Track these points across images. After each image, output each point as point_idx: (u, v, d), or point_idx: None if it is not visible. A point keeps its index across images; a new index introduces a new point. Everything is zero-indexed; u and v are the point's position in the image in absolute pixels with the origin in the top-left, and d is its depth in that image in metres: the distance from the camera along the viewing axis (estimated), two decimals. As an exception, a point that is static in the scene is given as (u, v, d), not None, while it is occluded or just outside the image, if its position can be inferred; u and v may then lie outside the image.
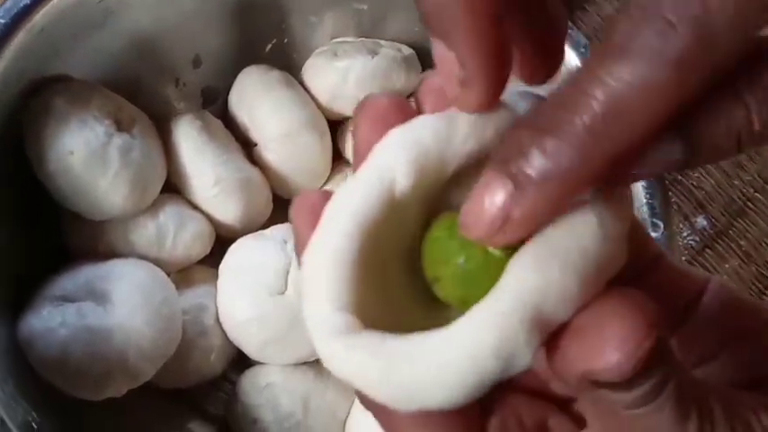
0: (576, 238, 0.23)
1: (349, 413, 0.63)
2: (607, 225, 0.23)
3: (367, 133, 0.25)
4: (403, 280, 0.26)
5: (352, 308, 0.23)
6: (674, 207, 0.73)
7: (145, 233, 0.62)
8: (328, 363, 0.24)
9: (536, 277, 0.22)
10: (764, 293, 0.73)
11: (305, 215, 0.25)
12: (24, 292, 0.58)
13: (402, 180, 0.24)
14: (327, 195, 0.25)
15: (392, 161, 0.24)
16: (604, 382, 0.21)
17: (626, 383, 0.21)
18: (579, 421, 0.27)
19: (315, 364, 0.63)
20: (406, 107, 0.26)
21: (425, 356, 0.22)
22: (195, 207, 0.65)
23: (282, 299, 0.60)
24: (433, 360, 0.22)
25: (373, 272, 0.24)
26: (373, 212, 0.24)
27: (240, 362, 0.65)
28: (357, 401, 0.62)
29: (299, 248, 0.25)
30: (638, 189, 0.57)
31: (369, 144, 0.25)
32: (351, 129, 0.25)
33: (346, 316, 0.23)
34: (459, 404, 0.23)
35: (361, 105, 0.26)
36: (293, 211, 0.26)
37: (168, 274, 0.62)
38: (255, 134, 0.69)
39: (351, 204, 0.24)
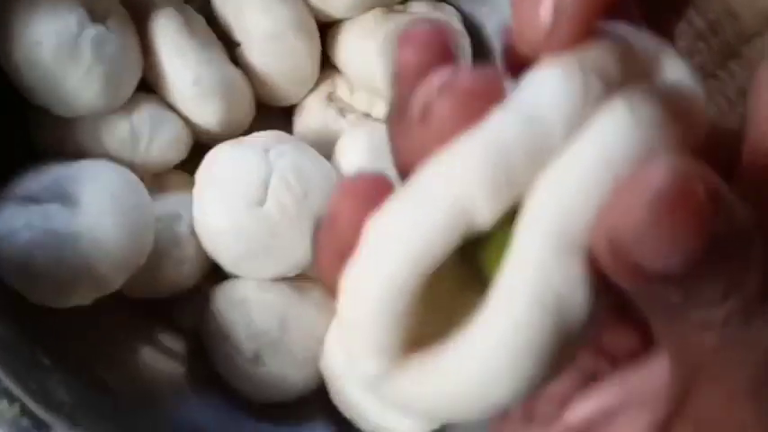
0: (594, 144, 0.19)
1: (329, 331, 0.60)
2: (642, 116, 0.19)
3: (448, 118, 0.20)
4: (447, 276, 0.21)
5: (398, 346, 0.20)
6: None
7: (117, 133, 0.58)
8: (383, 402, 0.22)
9: (552, 204, 0.19)
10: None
11: (353, 199, 0.21)
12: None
13: (483, 216, 0.19)
14: (382, 187, 0.21)
15: (473, 192, 0.19)
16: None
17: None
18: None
19: (294, 280, 0.60)
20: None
21: (473, 357, 0.19)
22: (172, 108, 0.61)
23: (261, 211, 0.57)
24: (480, 354, 0.19)
25: (422, 295, 0.20)
26: (438, 256, 0.19)
27: (214, 273, 0.62)
28: (337, 320, 0.60)
29: (333, 240, 0.22)
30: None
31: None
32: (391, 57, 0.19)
33: (388, 360, 0.20)
34: (527, 389, 0.19)
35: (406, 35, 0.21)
36: (337, 191, 0.21)
37: (141, 179, 0.58)
38: (239, 33, 0.65)
39: (412, 246, 0.19)
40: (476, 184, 0.19)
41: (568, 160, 0.19)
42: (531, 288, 0.19)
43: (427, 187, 0.20)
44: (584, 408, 0.24)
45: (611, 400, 0.24)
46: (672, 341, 0.21)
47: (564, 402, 0.24)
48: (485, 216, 0.19)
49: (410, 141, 0.21)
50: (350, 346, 0.21)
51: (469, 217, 0.19)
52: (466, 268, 0.21)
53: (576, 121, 0.19)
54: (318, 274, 0.23)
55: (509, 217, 0.20)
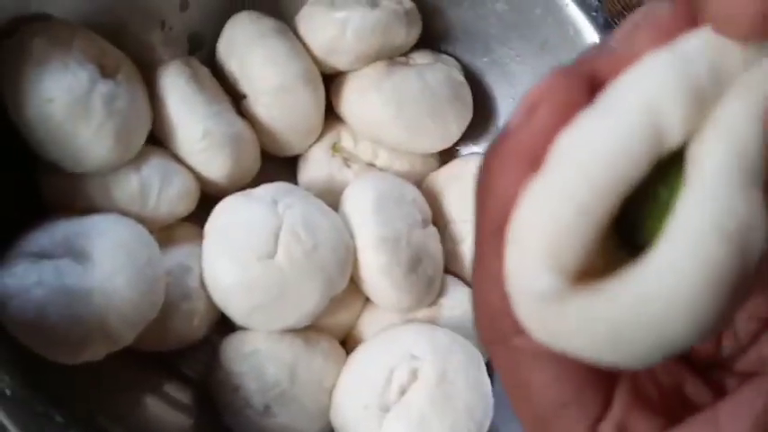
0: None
1: (336, 383, 0.60)
2: None
3: (645, 44, 0.21)
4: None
5: (573, 272, 0.20)
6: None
7: (127, 188, 0.59)
8: (535, 326, 0.21)
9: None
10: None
11: (547, 106, 0.21)
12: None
13: (674, 132, 0.20)
14: (576, 96, 0.21)
15: (666, 105, 0.19)
16: None
17: None
18: (718, 391, 0.25)
19: (303, 332, 0.60)
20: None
21: (654, 278, 0.19)
22: (181, 161, 0.62)
23: (271, 263, 0.57)
24: (665, 274, 0.19)
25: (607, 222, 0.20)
26: (633, 177, 0.20)
27: (223, 324, 0.62)
28: (346, 372, 0.60)
29: (518, 149, 0.22)
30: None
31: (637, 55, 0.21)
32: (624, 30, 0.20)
33: (563, 280, 0.20)
34: (704, 323, 0.19)
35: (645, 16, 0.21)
36: (532, 96, 0.22)
37: (151, 233, 0.58)
38: (246, 86, 0.65)
39: (609, 167, 0.19)
40: (669, 98, 0.19)
41: (734, 100, 0.19)
42: (713, 217, 0.19)
43: (621, 102, 0.20)
44: None
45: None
46: None
47: None
48: (675, 132, 0.19)
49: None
50: (523, 258, 0.21)
51: (662, 133, 0.19)
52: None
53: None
54: (490, 189, 0.23)
55: (661, 177, 0.20)
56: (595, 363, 0.21)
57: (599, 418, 0.24)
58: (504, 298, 0.23)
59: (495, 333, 0.24)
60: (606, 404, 0.24)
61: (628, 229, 0.21)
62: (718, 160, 0.19)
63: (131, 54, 0.62)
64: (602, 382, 0.24)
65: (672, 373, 0.26)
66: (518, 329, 0.23)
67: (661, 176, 0.20)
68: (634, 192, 0.20)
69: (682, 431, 0.23)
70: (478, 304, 0.25)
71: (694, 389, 0.25)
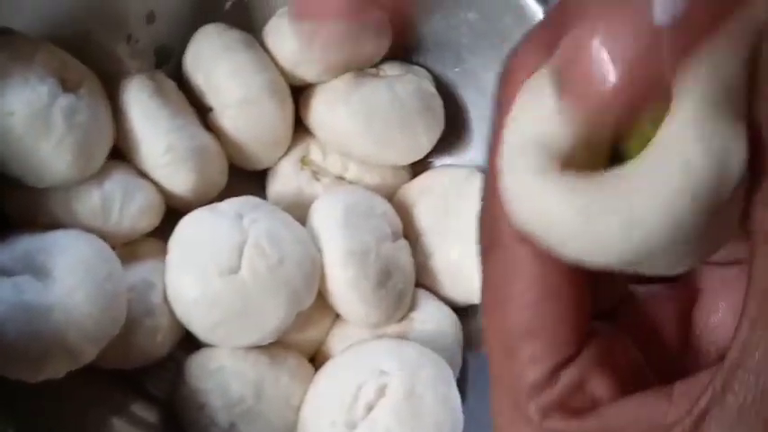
0: None
1: (303, 400, 0.59)
2: None
3: None
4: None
5: (560, 155, 0.21)
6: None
7: (89, 203, 0.58)
8: (517, 202, 0.22)
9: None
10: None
11: None
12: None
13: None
14: None
15: None
16: None
17: None
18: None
19: (269, 348, 0.59)
20: None
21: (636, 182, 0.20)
22: (144, 176, 0.61)
23: (235, 278, 0.56)
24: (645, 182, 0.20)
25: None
26: None
27: (188, 342, 0.61)
28: (313, 389, 0.59)
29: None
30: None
31: None
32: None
33: (550, 158, 0.21)
34: (675, 237, 0.20)
35: None
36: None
37: (113, 248, 0.58)
38: (212, 99, 0.65)
39: None
40: None
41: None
42: (696, 132, 0.20)
43: None
44: (619, 412, 0.23)
45: (648, 410, 0.23)
46: None
47: (598, 402, 0.24)
48: None
49: None
50: (515, 135, 0.22)
51: None
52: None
53: None
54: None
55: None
56: (561, 252, 0.21)
57: (562, 364, 0.24)
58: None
59: (495, 235, 0.24)
60: (574, 354, 0.24)
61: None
62: (702, 88, 0.20)
63: (97, 67, 0.61)
64: (577, 329, 0.24)
65: (638, 368, 0.26)
66: (517, 236, 0.23)
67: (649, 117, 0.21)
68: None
69: (635, 399, 0.23)
70: (484, 208, 0.25)
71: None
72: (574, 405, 0.23)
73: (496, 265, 0.24)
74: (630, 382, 0.24)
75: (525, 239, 0.23)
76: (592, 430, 0.23)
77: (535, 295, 0.23)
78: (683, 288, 0.28)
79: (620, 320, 0.27)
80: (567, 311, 0.24)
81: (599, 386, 0.24)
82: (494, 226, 0.24)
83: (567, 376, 0.23)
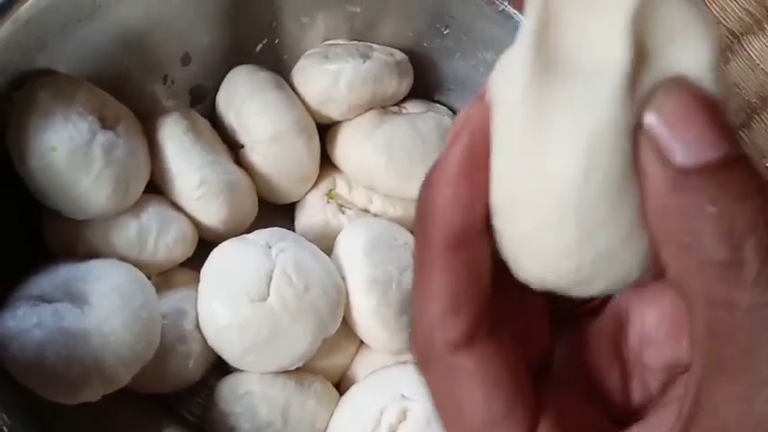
0: None
1: (328, 424, 0.61)
2: None
3: None
4: None
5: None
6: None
7: (126, 234, 0.61)
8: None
9: None
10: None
11: None
12: (0, 292, 0.56)
13: None
14: None
15: None
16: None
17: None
18: None
19: (296, 374, 0.62)
20: None
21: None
22: (179, 208, 0.64)
23: (264, 305, 0.59)
24: None
25: None
26: None
27: (220, 367, 0.63)
28: (337, 412, 0.61)
29: None
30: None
31: None
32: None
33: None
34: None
35: None
36: None
37: (149, 277, 0.61)
38: (243, 136, 0.68)
39: None
40: None
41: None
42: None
43: None
44: None
45: None
46: (701, 303, 0.21)
47: None
48: None
49: None
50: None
51: None
52: None
53: None
54: (432, 201, 0.24)
55: None
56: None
57: None
58: (443, 314, 0.24)
59: (431, 349, 0.25)
60: (532, 428, 0.25)
61: None
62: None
63: (134, 106, 0.64)
64: (528, 404, 0.25)
65: (593, 420, 0.27)
66: (453, 347, 0.24)
67: None
68: None
69: None
70: (416, 319, 0.26)
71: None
72: None
73: (438, 376, 0.25)
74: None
75: (458, 346, 0.24)
76: None
77: (482, 392, 0.24)
78: (610, 317, 0.29)
79: (559, 372, 0.28)
80: (515, 394, 0.25)
81: None
82: (430, 337, 0.25)
83: None
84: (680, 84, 0.21)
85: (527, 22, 0.22)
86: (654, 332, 0.28)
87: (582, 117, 0.21)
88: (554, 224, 0.22)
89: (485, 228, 0.24)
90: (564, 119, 0.21)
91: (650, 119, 0.20)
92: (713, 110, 0.20)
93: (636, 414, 0.28)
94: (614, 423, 0.27)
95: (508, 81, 0.22)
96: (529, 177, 0.22)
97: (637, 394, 0.28)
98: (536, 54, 0.22)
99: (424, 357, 0.26)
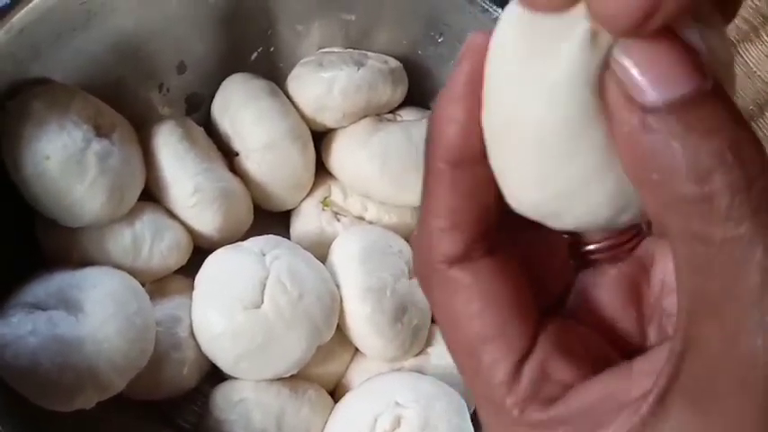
0: None
1: (323, 431, 0.61)
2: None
3: None
4: None
5: None
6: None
7: (121, 241, 0.61)
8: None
9: None
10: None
11: None
12: (-5, 298, 0.57)
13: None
14: None
15: None
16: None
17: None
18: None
19: (291, 381, 0.62)
20: None
21: None
22: (173, 216, 0.64)
23: (258, 313, 0.59)
24: None
25: None
26: None
27: (214, 374, 0.63)
28: (332, 420, 0.61)
29: None
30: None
31: None
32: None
33: None
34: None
35: None
36: None
37: (143, 284, 0.61)
38: (237, 143, 0.68)
39: None
40: None
41: None
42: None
43: None
44: (587, 394, 0.25)
45: (613, 388, 0.24)
46: (680, 240, 0.21)
47: (568, 387, 0.25)
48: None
49: None
50: None
51: None
52: None
53: None
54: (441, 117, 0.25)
55: None
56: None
57: (522, 359, 0.25)
58: (441, 229, 0.25)
59: (430, 263, 0.26)
60: (530, 346, 0.25)
61: None
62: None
63: (129, 114, 0.65)
64: (525, 323, 0.26)
65: (598, 347, 0.27)
66: (452, 261, 0.25)
67: None
68: None
69: (598, 380, 0.25)
70: (418, 235, 0.26)
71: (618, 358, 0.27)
72: (546, 394, 0.25)
73: (436, 290, 0.26)
74: (591, 363, 0.26)
75: (454, 261, 0.25)
76: (564, 415, 0.24)
77: (477, 305, 0.25)
78: (631, 264, 0.29)
79: (573, 309, 0.29)
80: (510, 311, 0.25)
81: (562, 371, 0.25)
82: (432, 252, 0.26)
83: (529, 369, 0.25)
84: None
85: None
86: (668, 289, 0.28)
87: (549, 63, 0.22)
88: (520, 159, 0.23)
89: (483, 149, 0.25)
90: (536, 62, 0.22)
91: (616, 59, 0.21)
92: (682, 47, 0.20)
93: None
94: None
95: (503, 22, 0.24)
96: (505, 113, 0.23)
97: (652, 337, 0.28)
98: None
99: (423, 271, 0.26)
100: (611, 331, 0.28)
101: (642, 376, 0.24)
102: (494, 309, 0.25)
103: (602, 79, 0.21)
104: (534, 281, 0.27)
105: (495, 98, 0.24)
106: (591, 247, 0.29)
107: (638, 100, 0.20)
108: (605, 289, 0.29)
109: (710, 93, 0.20)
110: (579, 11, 0.21)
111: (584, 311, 0.28)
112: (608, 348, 0.28)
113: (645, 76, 0.20)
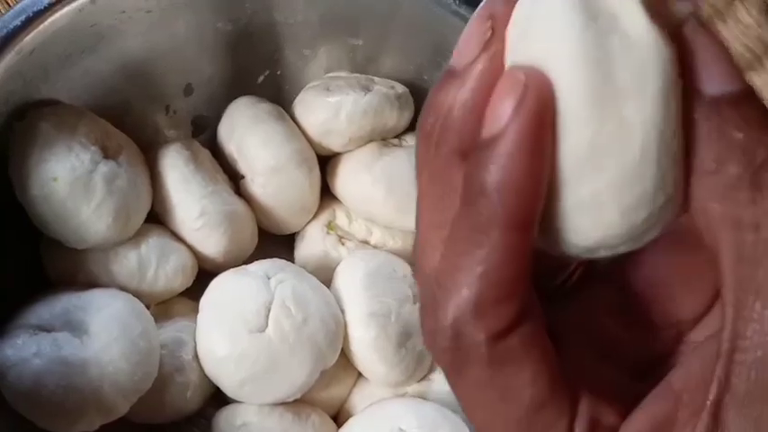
0: None
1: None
2: None
3: None
4: None
5: None
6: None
7: (126, 264, 0.61)
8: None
9: None
10: None
11: None
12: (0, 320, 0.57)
13: None
14: None
15: None
16: None
17: None
18: None
19: (294, 405, 0.61)
20: None
21: None
22: (179, 238, 0.64)
23: (262, 337, 0.59)
24: None
25: None
26: None
27: (217, 398, 0.63)
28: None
29: None
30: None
31: None
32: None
33: None
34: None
35: None
36: None
37: (148, 306, 0.61)
38: (243, 166, 0.68)
39: None
40: None
41: None
42: None
43: None
44: (642, 420, 0.24)
45: (660, 417, 0.24)
46: (728, 228, 0.22)
47: (616, 429, 0.24)
48: None
49: None
50: None
51: None
52: None
53: None
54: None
55: None
56: None
57: (573, 417, 0.24)
58: (490, 304, 0.22)
59: (471, 343, 0.23)
60: (575, 403, 0.24)
61: None
62: None
63: (136, 136, 0.65)
64: (568, 384, 0.24)
65: (619, 382, 0.27)
66: (500, 335, 0.23)
67: None
68: None
69: (642, 411, 0.24)
70: (435, 314, 0.24)
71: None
72: None
73: (476, 368, 0.24)
74: (617, 397, 0.25)
75: (503, 334, 0.23)
76: None
77: (529, 373, 0.24)
78: (610, 283, 0.29)
79: (566, 344, 0.27)
80: (555, 370, 0.24)
81: (607, 415, 0.24)
82: (464, 329, 0.23)
83: (580, 424, 0.24)
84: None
85: None
86: (655, 292, 0.28)
87: (644, 70, 0.21)
88: (635, 174, 0.22)
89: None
90: (626, 71, 0.21)
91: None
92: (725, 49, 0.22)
93: (652, 368, 0.27)
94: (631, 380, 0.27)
95: (553, 38, 0.22)
96: (607, 131, 0.21)
97: (649, 350, 0.28)
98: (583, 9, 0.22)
99: (453, 355, 0.24)
100: (609, 352, 0.28)
101: (685, 393, 0.24)
102: (544, 372, 0.24)
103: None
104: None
105: (585, 124, 0.22)
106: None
107: (701, 91, 0.21)
108: (591, 313, 0.28)
109: (752, 92, 0.21)
110: None
111: (579, 341, 0.28)
112: (618, 374, 0.27)
113: (708, 70, 0.21)
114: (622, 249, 0.23)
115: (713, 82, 0.21)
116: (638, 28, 0.21)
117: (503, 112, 0.22)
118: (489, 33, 0.23)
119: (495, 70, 0.23)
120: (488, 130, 0.22)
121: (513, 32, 0.23)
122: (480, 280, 0.22)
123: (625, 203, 0.22)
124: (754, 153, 0.21)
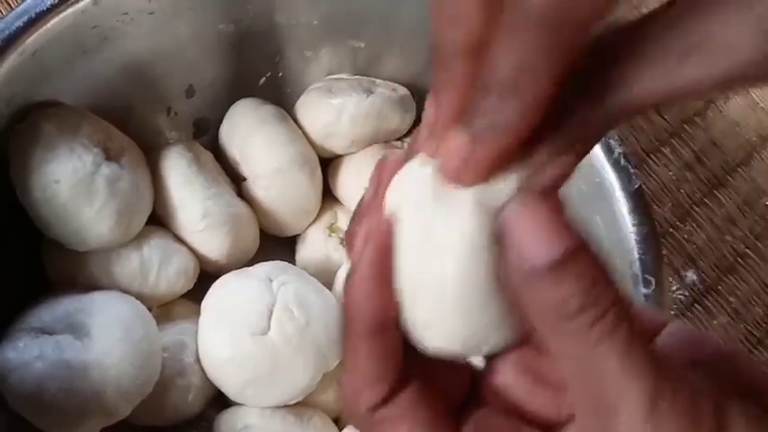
0: None
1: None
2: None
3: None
4: None
5: None
6: (665, 260, 0.73)
7: (128, 266, 0.61)
8: None
9: None
10: (753, 351, 0.72)
11: None
12: (1, 322, 0.56)
13: None
14: None
15: None
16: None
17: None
18: None
19: (295, 408, 0.61)
20: None
21: None
22: (181, 240, 0.64)
23: (264, 339, 0.59)
24: None
25: None
26: None
27: (219, 400, 0.63)
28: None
29: None
30: (632, 244, 0.56)
31: None
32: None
33: None
34: None
35: None
36: None
37: (150, 309, 0.61)
38: (245, 168, 0.68)
39: None
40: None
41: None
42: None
43: None
44: None
45: None
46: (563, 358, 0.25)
47: None
48: None
49: None
50: None
51: None
52: None
53: None
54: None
55: None
56: None
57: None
58: (363, 386, 0.28)
59: (359, 414, 0.29)
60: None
61: None
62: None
63: (138, 138, 0.65)
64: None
65: (510, 425, 0.30)
66: (376, 407, 0.28)
67: None
68: None
69: None
70: (345, 387, 0.29)
71: None
72: None
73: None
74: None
75: (379, 406, 0.28)
76: None
77: (405, 429, 0.28)
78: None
79: (485, 398, 0.31)
80: (433, 425, 0.28)
81: None
82: (354, 407, 0.29)
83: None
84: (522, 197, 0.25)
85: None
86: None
87: (454, 233, 0.26)
88: (445, 312, 0.27)
89: (396, 315, 0.28)
90: (445, 233, 0.26)
91: (504, 227, 0.25)
92: (548, 210, 0.24)
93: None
94: None
95: (408, 201, 0.27)
96: (422, 277, 0.27)
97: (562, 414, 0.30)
98: (434, 186, 0.26)
99: (353, 416, 0.29)
100: (526, 412, 0.30)
101: None
102: (424, 427, 0.28)
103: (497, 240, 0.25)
104: (443, 384, 0.30)
105: (410, 268, 0.27)
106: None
107: (522, 262, 0.24)
108: (509, 374, 0.31)
109: (578, 248, 0.24)
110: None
111: (496, 400, 0.31)
112: (528, 429, 0.30)
113: (522, 243, 0.24)
114: (467, 356, 0.29)
115: (530, 254, 0.24)
116: (463, 212, 0.26)
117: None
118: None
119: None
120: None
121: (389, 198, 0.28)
122: (354, 372, 0.28)
123: (446, 332, 0.27)
124: (569, 304, 0.24)
